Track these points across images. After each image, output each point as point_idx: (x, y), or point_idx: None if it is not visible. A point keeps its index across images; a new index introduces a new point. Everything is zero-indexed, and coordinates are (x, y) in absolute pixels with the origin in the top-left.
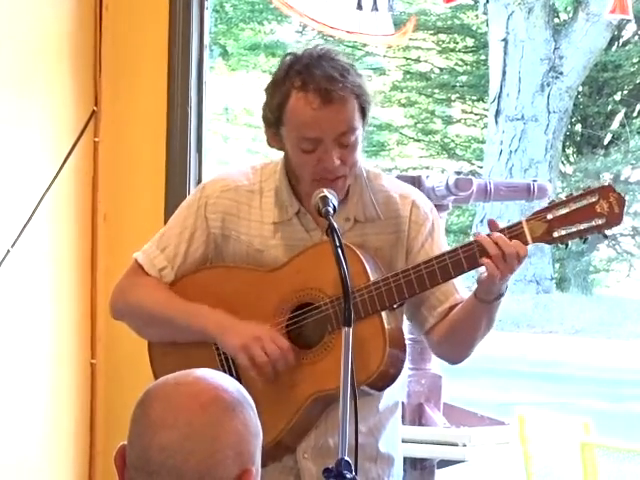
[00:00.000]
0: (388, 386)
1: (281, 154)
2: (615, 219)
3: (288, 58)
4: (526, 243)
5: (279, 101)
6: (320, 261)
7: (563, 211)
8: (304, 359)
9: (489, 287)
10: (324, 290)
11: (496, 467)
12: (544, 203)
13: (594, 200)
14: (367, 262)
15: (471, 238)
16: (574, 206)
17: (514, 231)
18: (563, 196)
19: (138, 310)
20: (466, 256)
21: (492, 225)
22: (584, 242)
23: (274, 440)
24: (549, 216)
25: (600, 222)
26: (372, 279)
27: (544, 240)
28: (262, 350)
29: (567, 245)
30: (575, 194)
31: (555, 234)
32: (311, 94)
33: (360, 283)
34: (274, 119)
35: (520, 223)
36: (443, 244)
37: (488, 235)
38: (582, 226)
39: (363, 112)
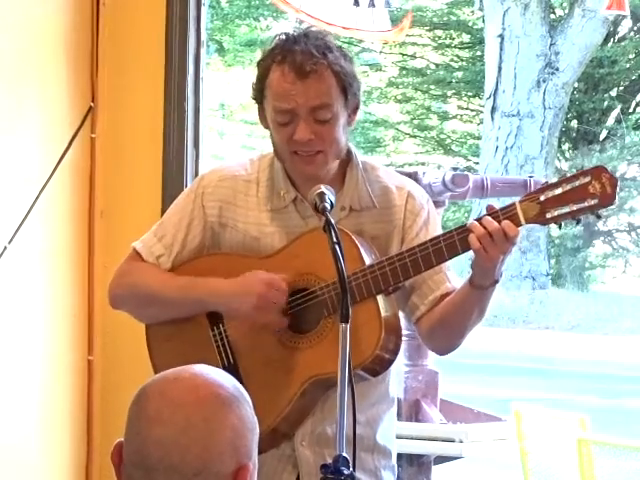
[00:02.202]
0: (384, 371)
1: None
2: (608, 199)
3: (277, 37)
4: (519, 224)
5: (261, 75)
6: (315, 247)
7: (556, 192)
8: (300, 344)
9: (483, 270)
10: (320, 275)
11: (493, 463)
12: None
13: (587, 181)
14: (362, 246)
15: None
16: (567, 187)
17: (507, 212)
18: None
19: (136, 290)
20: (460, 238)
21: (488, 208)
22: (577, 223)
23: (271, 426)
24: (542, 197)
25: (593, 202)
26: (367, 263)
27: (537, 221)
28: (272, 304)
29: (560, 226)
30: (568, 176)
31: (548, 215)
32: (287, 67)
33: (355, 267)
34: (258, 93)
35: (513, 204)
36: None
37: (479, 218)
38: (575, 207)
39: (344, 91)
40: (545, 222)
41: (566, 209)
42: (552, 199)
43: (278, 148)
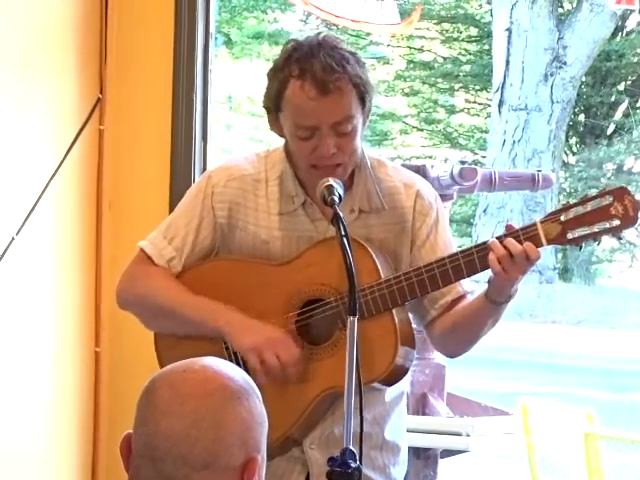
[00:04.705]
0: (399, 381)
1: (283, 141)
2: (630, 221)
3: (289, 45)
4: (540, 245)
5: (277, 88)
6: (330, 256)
7: (577, 212)
8: (314, 355)
9: (499, 288)
10: (334, 286)
11: (499, 457)
12: (548, 193)
13: (609, 202)
14: (377, 258)
15: (474, 228)
16: (588, 207)
17: (528, 232)
18: (566, 186)
19: (147, 301)
20: (480, 257)
21: (508, 228)
22: (598, 244)
23: (283, 436)
24: (563, 218)
25: (615, 224)
26: (383, 276)
27: (558, 242)
28: (274, 355)
29: (581, 247)
30: (589, 196)
31: (569, 236)
32: (308, 83)
33: (371, 280)
34: (273, 105)
35: (534, 225)
36: (448, 234)
37: (500, 238)
38: (596, 228)
39: (362, 101)
40: (566, 243)
41: (587, 230)
42: (573, 220)
43: (297, 159)
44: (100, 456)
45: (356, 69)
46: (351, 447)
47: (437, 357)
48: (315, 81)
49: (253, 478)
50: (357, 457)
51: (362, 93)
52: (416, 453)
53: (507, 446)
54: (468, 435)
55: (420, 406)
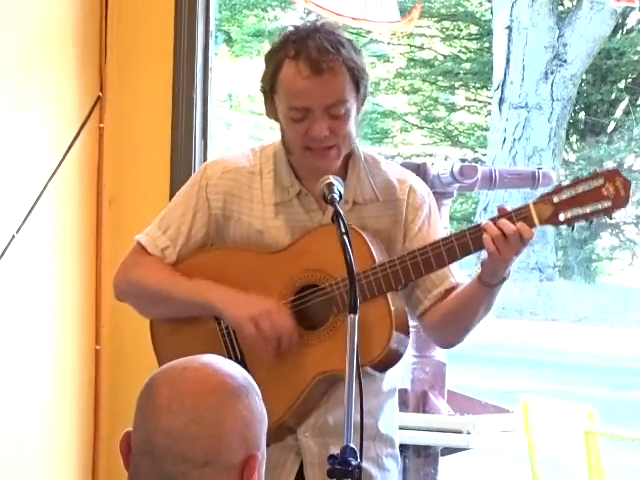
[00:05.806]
0: (391, 367)
1: (279, 138)
2: (621, 202)
3: (287, 29)
4: (533, 225)
5: (273, 69)
6: (325, 243)
7: (569, 194)
8: (309, 340)
9: (493, 269)
10: (329, 272)
11: (500, 455)
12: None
13: (600, 184)
14: (372, 244)
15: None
16: (580, 189)
17: (521, 214)
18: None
19: (141, 288)
20: (473, 238)
21: (500, 210)
22: (590, 224)
23: (278, 421)
24: (555, 199)
25: (606, 205)
26: (377, 261)
27: (551, 222)
28: (270, 323)
29: (573, 227)
30: (581, 178)
31: (561, 217)
32: (302, 63)
33: (366, 265)
34: (268, 87)
35: (527, 206)
36: (440, 229)
37: (494, 219)
38: (588, 209)
39: (356, 85)
40: (558, 223)
41: (579, 211)
42: (566, 201)
43: (290, 142)
44: (100, 454)
45: (351, 53)
46: (351, 444)
47: (438, 355)
48: (309, 61)
49: (253, 475)
50: (357, 454)
51: (356, 77)
52: (417, 451)
53: (508, 444)
54: (469, 433)
55: (421, 404)
